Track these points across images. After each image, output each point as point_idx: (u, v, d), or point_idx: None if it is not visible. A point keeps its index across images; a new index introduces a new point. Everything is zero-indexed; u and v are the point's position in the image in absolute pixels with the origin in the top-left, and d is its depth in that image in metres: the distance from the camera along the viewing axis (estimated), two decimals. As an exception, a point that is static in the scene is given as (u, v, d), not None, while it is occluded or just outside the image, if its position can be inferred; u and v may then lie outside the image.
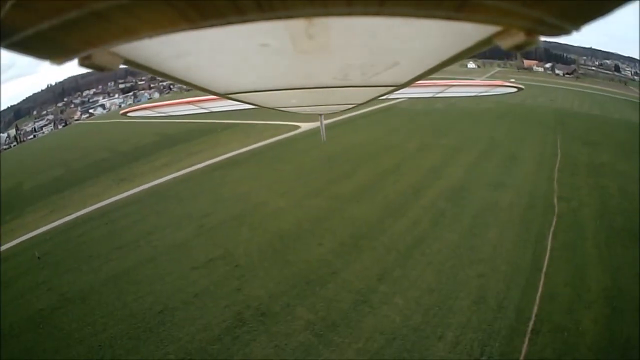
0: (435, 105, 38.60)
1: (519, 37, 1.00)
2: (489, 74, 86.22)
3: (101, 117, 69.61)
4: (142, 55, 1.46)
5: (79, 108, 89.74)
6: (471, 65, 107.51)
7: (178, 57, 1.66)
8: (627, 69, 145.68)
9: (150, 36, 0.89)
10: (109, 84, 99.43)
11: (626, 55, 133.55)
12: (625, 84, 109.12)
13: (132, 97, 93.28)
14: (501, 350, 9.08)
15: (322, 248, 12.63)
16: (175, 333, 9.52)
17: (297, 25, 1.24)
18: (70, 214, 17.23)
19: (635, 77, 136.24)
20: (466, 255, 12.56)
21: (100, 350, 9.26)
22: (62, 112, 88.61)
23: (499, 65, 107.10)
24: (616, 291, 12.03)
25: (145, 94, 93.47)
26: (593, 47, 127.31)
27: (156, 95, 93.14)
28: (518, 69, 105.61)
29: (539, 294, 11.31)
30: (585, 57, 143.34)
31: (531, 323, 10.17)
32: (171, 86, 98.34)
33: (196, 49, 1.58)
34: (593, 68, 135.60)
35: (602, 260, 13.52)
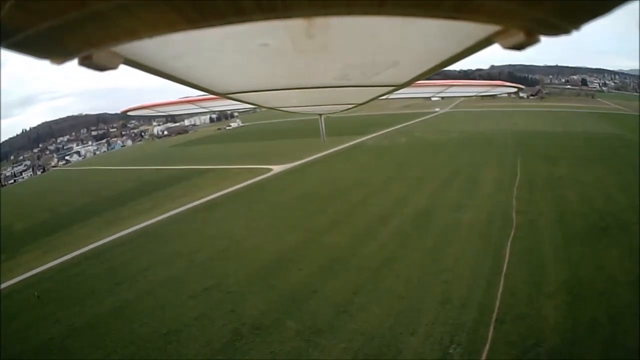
0: (400, 140, 40.77)
1: (518, 37, 1.00)
2: (453, 104, 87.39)
3: (77, 164, 70.21)
4: (142, 55, 1.46)
5: (55, 154, 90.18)
6: (435, 97, 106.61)
7: (178, 57, 1.66)
8: (596, 81, 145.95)
9: (150, 36, 0.89)
10: (82, 130, 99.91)
11: (594, 67, 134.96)
12: (593, 97, 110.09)
13: (106, 144, 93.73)
14: (469, 339, 10.30)
15: (302, 272, 14.27)
16: (182, 350, 10.63)
17: (297, 25, 1.24)
18: (65, 255, 17.97)
19: (604, 88, 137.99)
20: (431, 267, 13.99)
21: (107, 357, 10.23)
22: (38, 157, 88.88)
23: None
24: (576, 282, 13.15)
25: (118, 142, 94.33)
26: (559, 64, 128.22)
27: (129, 142, 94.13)
28: (482, 97, 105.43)
29: (499, 291, 12.52)
30: (551, 76, 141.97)
31: (494, 315, 11.35)
32: (142, 133, 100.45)
33: (196, 49, 1.58)
34: (559, 86, 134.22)
35: (560, 259, 14.64)
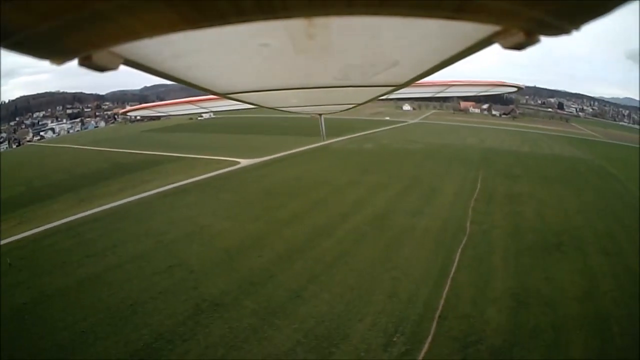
0: (366, 146, 41.99)
1: (518, 37, 1.00)
2: (423, 116, 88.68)
3: (52, 140, 70.27)
4: (142, 55, 1.46)
5: (30, 129, 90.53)
6: (407, 107, 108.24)
7: (178, 57, 1.65)
8: (573, 105, 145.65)
9: (150, 36, 0.89)
10: (58, 108, 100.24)
11: (573, 92, 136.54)
12: (567, 121, 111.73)
13: (80, 123, 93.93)
14: (412, 330, 11.13)
15: (261, 259, 15.18)
16: (147, 320, 11.46)
17: (297, 25, 1.24)
18: (38, 226, 18.56)
19: (580, 114, 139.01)
20: (383, 264, 14.84)
21: (83, 334, 10.82)
22: (14, 131, 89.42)
23: (434, 107, 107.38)
24: (522, 290, 13.85)
25: (92, 122, 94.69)
26: (537, 85, 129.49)
27: (102, 124, 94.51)
28: (454, 111, 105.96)
29: (445, 292, 13.32)
30: (527, 96, 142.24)
31: (438, 312, 12.17)
32: (115, 116, 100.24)
33: (196, 49, 1.58)
34: (535, 107, 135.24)
35: (508, 269, 15.39)
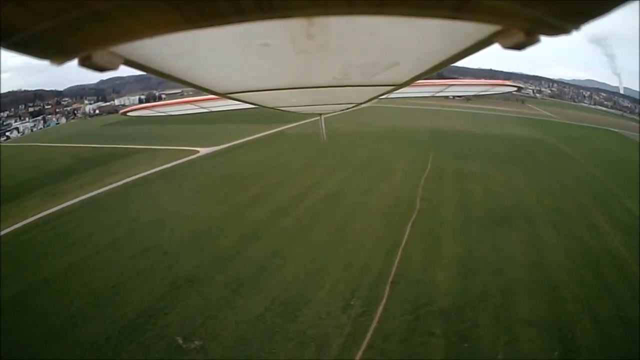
0: (319, 131, 40.19)
1: (518, 37, 1.00)
2: (375, 100, 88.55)
3: (17, 140, 69.05)
4: (142, 55, 1.46)
5: None
6: None
7: (178, 57, 1.66)
8: (530, 87, 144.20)
9: (150, 36, 0.89)
10: (20, 107, 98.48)
11: (532, 74, 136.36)
12: (522, 102, 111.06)
13: (42, 121, 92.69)
14: (367, 295, 12.32)
15: (227, 238, 16.18)
16: (128, 299, 12.35)
17: (297, 24, 1.24)
18: (16, 223, 19.13)
19: (538, 95, 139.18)
20: (339, 238, 16.09)
21: (72, 318, 11.58)
22: None
23: None
24: (470, 258, 14.74)
25: (54, 119, 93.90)
26: (494, 68, 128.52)
27: (63, 120, 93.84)
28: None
29: (397, 260, 14.36)
30: (483, 79, 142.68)
31: (390, 278, 13.26)
32: (75, 111, 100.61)
33: (196, 49, 1.58)
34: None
35: (457, 240, 16.34)
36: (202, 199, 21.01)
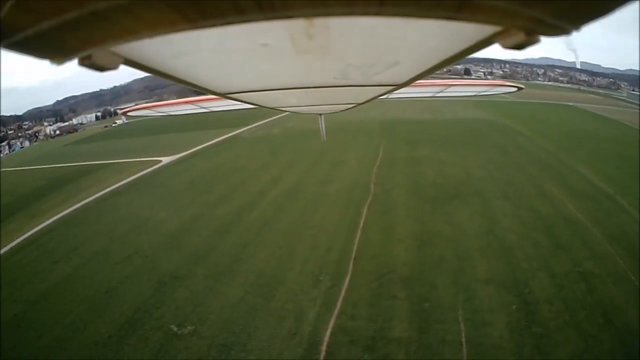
0: (273, 131, 45.06)
1: (519, 37, 1.00)
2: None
3: None
4: (142, 55, 1.46)
5: None
6: None
7: (178, 57, 1.65)
8: (481, 70, 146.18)
9: (150, 36, 0.89)
10: None
11: (481, 57, 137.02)
12: None
13: (7, 146, 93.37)
14: (334, 271, 13.55)
15: (201, 237, 17.36)
16: (122, 300, 13.27)
17: (297, 25, 1.24)
18: (5, 246, 20.10)
19: (489, 77, 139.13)
20: (302, 225, 17.30)
21: (73, 324, 12.38)
22: None
23: None
24: (425, 232, 15.90)
25: (18, 143, 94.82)
26: None
27: (27, 143, 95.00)
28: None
29: (357, 239, 15.59)
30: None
31: (353, 254, 14.48)
32: (36, 134, 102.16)
33: (196, 49, 1.58)
34: (440, 76, 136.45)
35: (411, 217, 17.54)
36: (171, 204, 22.32)
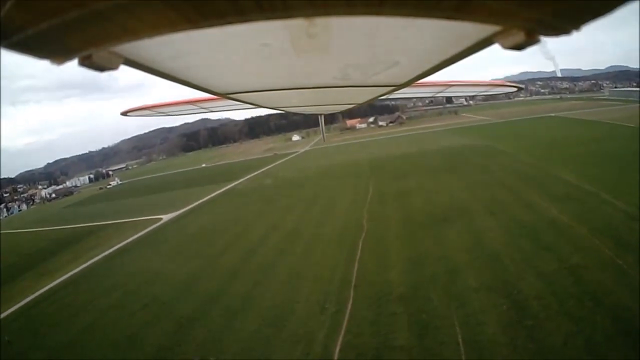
0: (266, 181, 47.68)
1: (519, 37, 0.99)
2: (312, 142, 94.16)
3: None
4: (142, 55, 1.46)
5: None
6: (296, 137, 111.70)
7: (178, 57, 1.65)
8: (462, 96, 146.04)
9: (150, 36, 0.89)
10: None
11: (455, 95, 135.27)
12: (456, 113, 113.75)
13: (5, 209, 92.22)
14: (337, 299, 14.52)
15: (211, 283, 18.30)
16: (145, 341, 14.16)
17: (297, 25, 1.24)
18: (19, 302, 21.07)
19: (471, 102, 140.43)
20: (304, 263, 18.56)
21: (95, 358, 13.56)
22: None
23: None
24: (416, 255, 17.05)
25: (15, 206, 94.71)
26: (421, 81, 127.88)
27: (24, 206, 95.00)
28: (341, 131, 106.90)
29: (355, 270, 16.70)
30: (415, 99, 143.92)
31: (352, 283, 15.58)
32: (32, 197, 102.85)
33: (196, 49, 1.58)
34: (422, 108, 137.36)
35: (403, 243, 18.75)
36: (178, 257, 23.43)
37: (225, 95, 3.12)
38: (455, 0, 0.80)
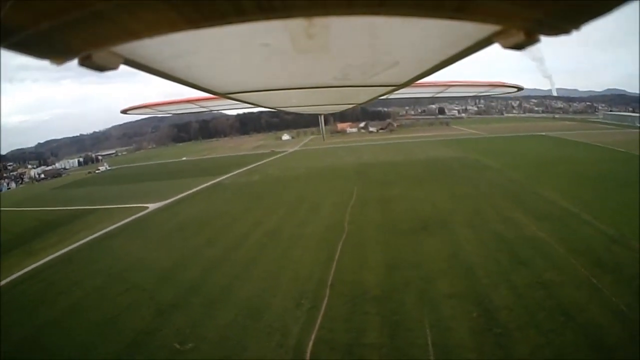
0: (254, 178, 48.02)
1: (519, 37, 0.99)
2: (302, 143, 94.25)
3: None
4: (142, 55, 1.46)
5: None
6: (286, 137, 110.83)
7: (178, 57, 1.65)
8: (456, 108, 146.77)
9: (150, 36, 0.88)
10: None
11: (454, 96, 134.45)
12: (447, 125, 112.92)
13: None
14: (313, 296, 15.03)
15: (193, 272, 18.62)
16: (126, 324, 14.30)
17: (297, 25, 1.24)
18: (6, 278, 21.37)
19: (463, 115, 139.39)
20: (283, 261, 19.00)
21: (83, 346, 13.45)
22: None
23: (312, 133, 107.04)
24: (393, 260, 17.45)
25: (4, 184, 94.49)
26: (419, 96, 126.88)
27: (13, 184, 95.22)
28: (332, 134, 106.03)
29: (333, 270, 17.12)
30: (407, 107, 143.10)
31: (329, 282, 15.98)
32: (21, 176, 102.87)
33: (196, 49, 1.57)
34: (415, 116, 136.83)
35: (382, 248, 19.10)
36: (163, 246, 23.98)
37: (225, 95, 3.12)
38: (456, 1, 0.80)
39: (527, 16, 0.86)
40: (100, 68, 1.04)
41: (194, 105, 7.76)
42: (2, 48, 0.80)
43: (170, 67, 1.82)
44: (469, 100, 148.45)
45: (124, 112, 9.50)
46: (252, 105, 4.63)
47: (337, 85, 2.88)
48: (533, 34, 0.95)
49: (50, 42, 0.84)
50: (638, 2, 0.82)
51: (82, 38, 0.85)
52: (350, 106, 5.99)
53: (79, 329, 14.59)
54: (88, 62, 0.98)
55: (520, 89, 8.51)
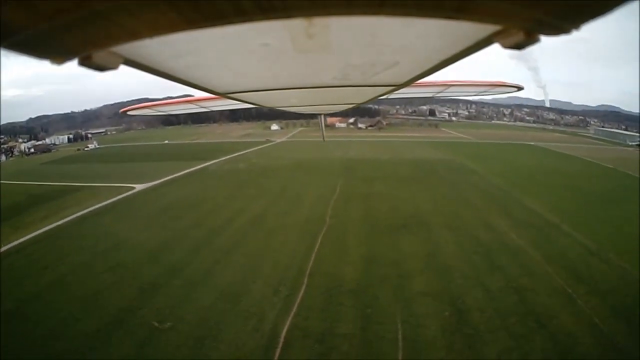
0: (239, 165, 48.46)
1: (518, 37, 0.99)
2: (290, 134, 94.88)
3: None
4: (142, 55, 1.46)
5: None
6: (274, 127, 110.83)
7: (178, 57, 1.65)
8: (447, 111, 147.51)
9: (150, 36, 0.89)
10: None
11: (447, 97, 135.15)
12: (436, 127, 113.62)
13: None
14: (291, 284, 15.56)
15: (176, 254, 19.22)
16: (109, 301, 14.91)
17: (297, 24, 1.24)
18: None
19: (454, 118, 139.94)
20: (264, 248, 19.53)
21: (65, 320, 13.78)
22: None
23: (301, 125, 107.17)
24: (372, 255, 17.99)
25: None
26: (410, 96, 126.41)
27: (3, 157, 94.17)
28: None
29: (312, 260, 17.74)
30: (398, 106, 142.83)
31: (308, 271, 16.62)
32: (12, 149, 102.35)
33: (196, 49, 1.58)
34: (405, 116, 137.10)
35: (360, 244, 19.77)
36: (148, 227, 24.38)
37: (225, 95, 3.13)
38: (456, 1, 0.80)
39: (527, 16, 0.87)
40: (100, 68, 1.04)
41: (193, 105, 7.77)
42: (2, 48, 0.80)
43: (170, 67, 1.82)
44: (460, 105, 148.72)
45: (124, 112, 9.51)
46: (252, 105, 4.63)
47: (337, 85, 2.88)
48: (533, 34, 0.95)
49: (50, 42, 0.84)
50: (638, 2, 0.82)
51: (82, 38, 0.85)
52: (350, 106, 6.00)
53: (62, 303, 14.85)
54: (88, 62, 0.98)
55: (520, 88, 8.54)
